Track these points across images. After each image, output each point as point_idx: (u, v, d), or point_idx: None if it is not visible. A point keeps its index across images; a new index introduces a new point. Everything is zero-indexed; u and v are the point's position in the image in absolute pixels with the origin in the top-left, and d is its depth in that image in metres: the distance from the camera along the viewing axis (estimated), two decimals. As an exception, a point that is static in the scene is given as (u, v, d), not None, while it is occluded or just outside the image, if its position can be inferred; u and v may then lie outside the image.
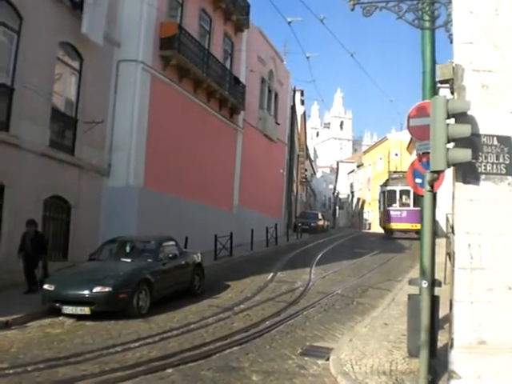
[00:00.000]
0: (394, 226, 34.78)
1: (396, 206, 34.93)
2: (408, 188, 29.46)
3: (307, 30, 63.54)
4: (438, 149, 6.11)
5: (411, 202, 33.03)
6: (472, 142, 6.24)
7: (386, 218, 35.61)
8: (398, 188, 34.76)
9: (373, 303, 13.22)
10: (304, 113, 55.67)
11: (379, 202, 40.32)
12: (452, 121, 6.31)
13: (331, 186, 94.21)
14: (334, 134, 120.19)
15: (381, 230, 38.64)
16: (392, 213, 34.72)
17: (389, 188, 35.86)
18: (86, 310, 10.80)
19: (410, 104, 8.15)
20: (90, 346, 8.82)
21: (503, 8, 6.52)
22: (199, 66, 21.71)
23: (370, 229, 55.42)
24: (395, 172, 38.72)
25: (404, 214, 33.78)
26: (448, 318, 7.23)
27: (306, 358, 8.48)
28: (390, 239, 34.34)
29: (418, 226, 30.91)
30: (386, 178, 39.54)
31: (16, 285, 12.74)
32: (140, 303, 11.43)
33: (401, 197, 34.88)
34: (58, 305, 10.98)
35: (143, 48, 18.56)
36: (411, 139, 33.52)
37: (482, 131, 6.34)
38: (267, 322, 10.89)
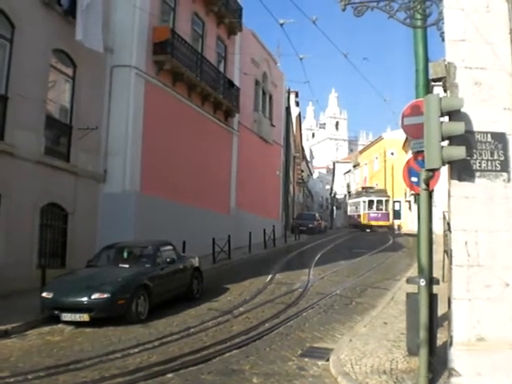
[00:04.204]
0: (374, 223, 49.13)
1: (374, 210, 50.04)
2: (381, 198, 50.35)
3: (300, 32, 63.67)
4: (432, 147, 6.12)
5: (383, 207, 49.93)
6: (466, 139, 6.26)
7: (367, 218, 50.29)
8: (375, 198, 50.55)
9: (372, 303, 13.22)
10: (299, 114, 55.78)
11: (356, 208, 54.69)
12: (446, 119, 6.32)
13: (328, 187, 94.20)
14: (329, 134, 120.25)
15: (377, 230, 47.91)
16: (371, 215, 49.86)
17: (368, 198, 50.86)
18: (85, 317, 10.77)
19: (405, 103, 8.20)
20: (89, 353, 8.80)
21: (494, 4, 6.54)
22: (193, 70, 21.69)
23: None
24: (370, 187, 55.71)
25: (379, 216, 49.57)
26: (447, 316, 7.24)
27: (305, 360, 8.48)
28: (387, 238, 35.74)
29: (388, 223, 42.51)
30: (360, 190, 55.81)
31: (16, 293, 12.69)
32: (139, 309, 11.41)
33: (377, 204, 50.18)
34: (56, 312, 10.94)
35: (136, 53, 18.52)
36: (406, 138, 34.31)
37: (475, 128, 6.36)
38: (267, 325, 10.89)
